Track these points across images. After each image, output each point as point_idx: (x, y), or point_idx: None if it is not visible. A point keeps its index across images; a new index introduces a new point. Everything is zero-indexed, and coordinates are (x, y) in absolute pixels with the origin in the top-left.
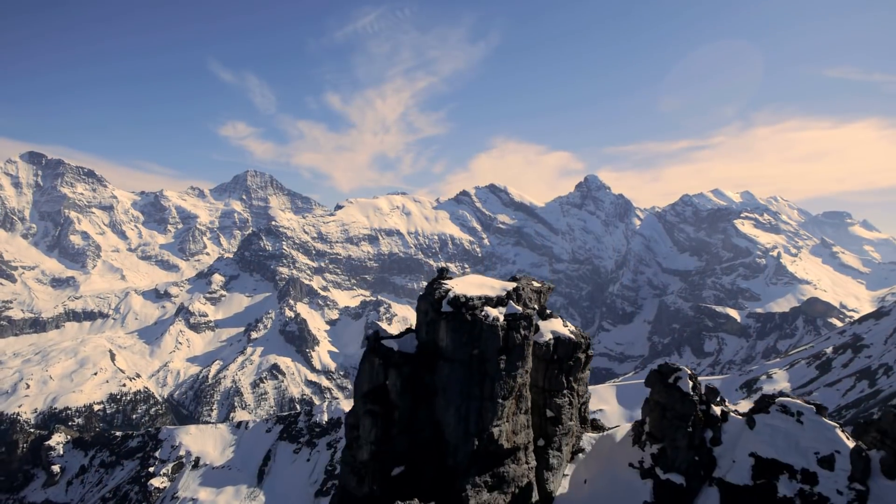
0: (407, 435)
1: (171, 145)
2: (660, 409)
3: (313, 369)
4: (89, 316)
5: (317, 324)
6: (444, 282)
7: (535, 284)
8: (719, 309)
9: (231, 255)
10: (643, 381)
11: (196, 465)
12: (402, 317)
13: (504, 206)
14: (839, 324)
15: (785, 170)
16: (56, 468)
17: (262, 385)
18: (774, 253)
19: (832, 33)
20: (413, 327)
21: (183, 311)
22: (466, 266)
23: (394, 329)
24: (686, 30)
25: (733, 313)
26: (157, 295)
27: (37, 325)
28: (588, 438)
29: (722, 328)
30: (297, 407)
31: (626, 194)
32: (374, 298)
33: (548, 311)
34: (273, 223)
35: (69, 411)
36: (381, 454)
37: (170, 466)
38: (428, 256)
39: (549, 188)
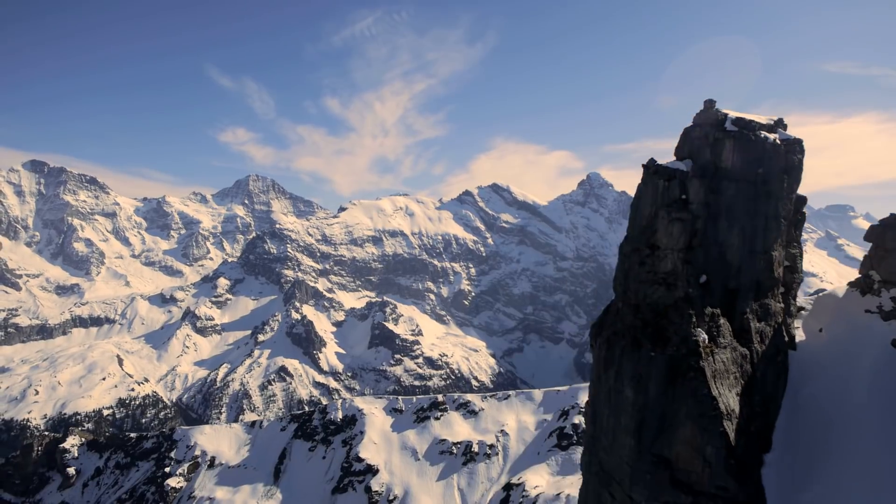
0: (701, 249)
1: (171, 152)
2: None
3: (321, 371)
4: (96, 322)
5: (323, 325)
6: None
7: None
8: None
9: (235, 259)
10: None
11: (212, 464)
12: (407, 317)
13: (507, 206)
14: None
15: None
16: (71, 470)
17: (270, 387)
18: None
19: (830, 28)
20: (678, 157)
21: (189, 316)
22: (471, 265)
23: (400, 329)
24: (683, 26)
25: None
26: (163, 300)
27: (44, 331)
28: (804, 299)
29: None
30: (306, 409)
31: (627, 192)
32: (380, 299)
33: None
34: (277, 226)
35: (79, 416)
36: (688, 261)
37: (185, 466)
38: (432, 256)
39: (550, 187)
